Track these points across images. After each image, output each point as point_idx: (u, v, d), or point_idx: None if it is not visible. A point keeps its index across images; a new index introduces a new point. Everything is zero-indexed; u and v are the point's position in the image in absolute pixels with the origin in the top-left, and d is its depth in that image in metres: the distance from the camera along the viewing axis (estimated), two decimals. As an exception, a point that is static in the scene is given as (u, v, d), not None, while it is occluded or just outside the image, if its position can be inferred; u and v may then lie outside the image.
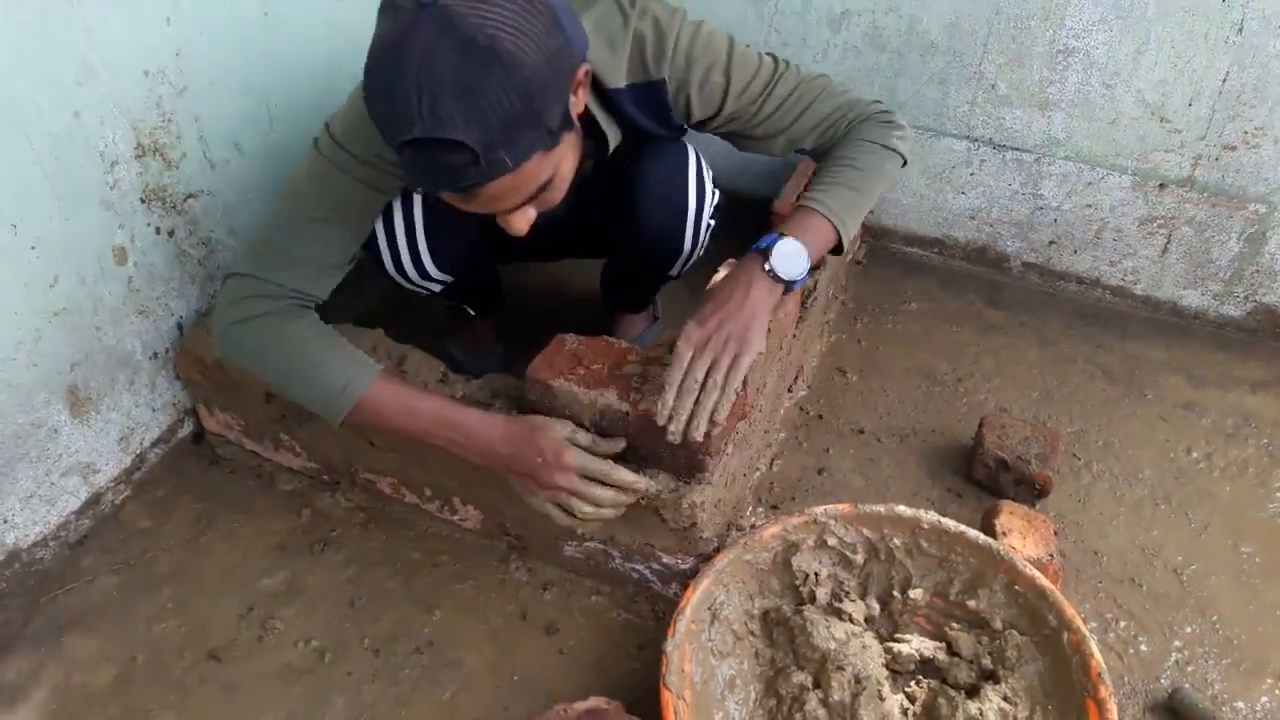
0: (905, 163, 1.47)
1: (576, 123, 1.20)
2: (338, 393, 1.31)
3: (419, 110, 1.02)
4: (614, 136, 1.41)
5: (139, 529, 1.63)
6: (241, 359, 1.36)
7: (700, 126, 1.48)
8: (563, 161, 1.18)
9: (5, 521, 1.49)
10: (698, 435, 1.27)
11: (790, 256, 1.35)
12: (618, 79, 1.35)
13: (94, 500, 1.63)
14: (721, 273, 1.43)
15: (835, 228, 1.39)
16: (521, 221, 1.22)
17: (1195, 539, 1.64)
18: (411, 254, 1.49)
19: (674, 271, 1.69)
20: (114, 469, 1.65)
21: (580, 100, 1.20)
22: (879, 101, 1.48)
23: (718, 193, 1.60)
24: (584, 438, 1.34)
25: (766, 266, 1.35)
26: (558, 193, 1.23)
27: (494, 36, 1.01)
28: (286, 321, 1.32)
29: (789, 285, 1.37)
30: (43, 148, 1.35)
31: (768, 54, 1.44)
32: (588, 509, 1.31)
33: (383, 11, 1.07)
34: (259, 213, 1.78)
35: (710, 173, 1.58)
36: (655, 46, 1.35)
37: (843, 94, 1.46)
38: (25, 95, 1.31)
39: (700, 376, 1.27)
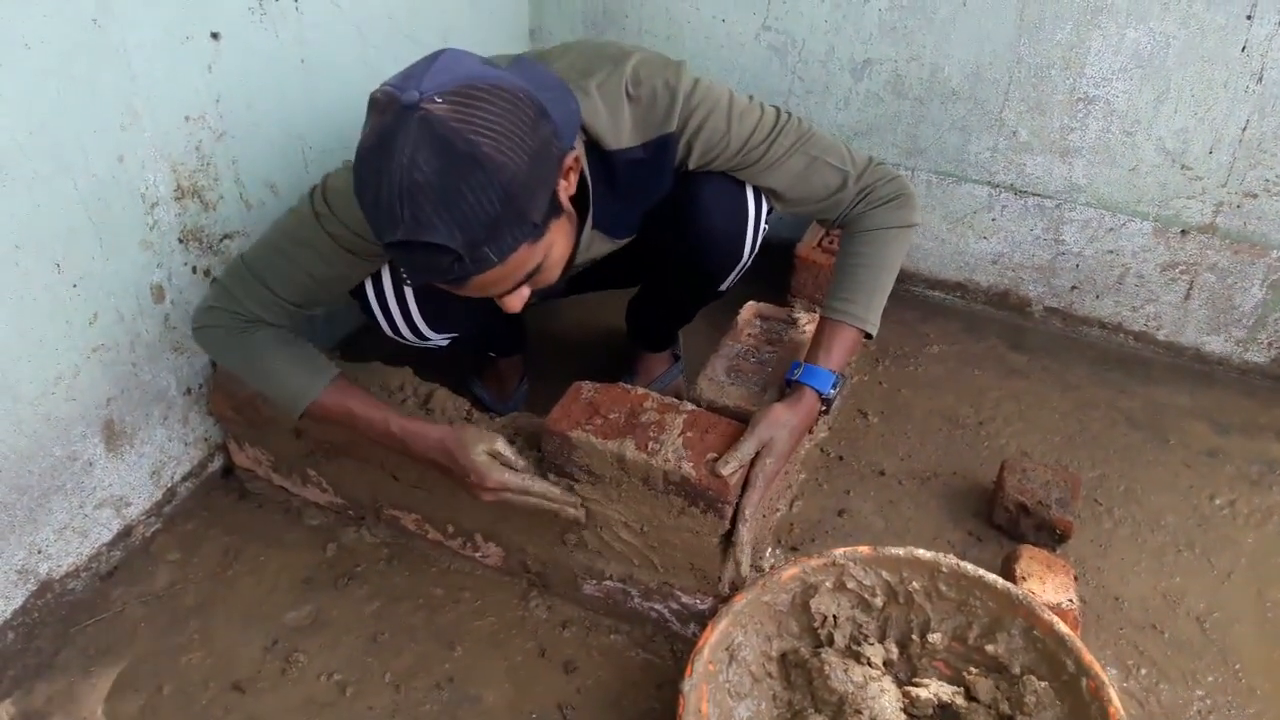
0: (918, 224, 1.54)
1: (567, 206, 1.23)
2: (292, 397, 1.42)
3: (401, 215, 1.05)
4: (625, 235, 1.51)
5: (168, 561, 1.66)
6: (211, 355, 1.49)
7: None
8: (553, 247, 1.21)
9: (39, 552, 1.52)
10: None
11: (840, 388, 1.48)
12: (620, 140, 1.37)
13: (125, 532, 1.66)
14: (780, 418, 1.41)
15: (864, 330, 1.49)
16: (516, 302, 1.25)
17: (1218, 586, 1.63)
18: (405, 319, 1.52)
19: (724, 285, 1.68)
20: (145, 502, 1.69)
21: (570, 184, 1.23)
22: (882, 164, 1.51)
23: (765, 198, 1.57)
24: (505, 451, 1.40)
25: (823, 409, 1.47)
26: (551, 273, 1.26)
27: (473, 141, 1.03)
28: (251, 332, 1.41)
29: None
30: (87, 190, 1.40)
31: (771, 105, 1.47)
32: (524, 505, 1.42)
33: (371, 107, 1.10)
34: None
35: None
36: (667, 100, 1.37)
37: (846, 158, 1.48)
38: (72, 139, 1.36)
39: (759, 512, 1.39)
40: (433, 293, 1.47)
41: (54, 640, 1.52)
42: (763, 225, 1.58)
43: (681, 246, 1.57)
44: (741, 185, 1.51)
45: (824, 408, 1.47)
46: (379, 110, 1.07)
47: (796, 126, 1.47)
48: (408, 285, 1.46)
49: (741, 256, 1.60)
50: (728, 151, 1.44)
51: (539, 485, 1.41)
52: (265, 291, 1.39)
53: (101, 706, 1.43)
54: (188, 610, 1.58)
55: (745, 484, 1.37)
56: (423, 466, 1.46)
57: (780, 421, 1.40)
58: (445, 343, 1.63)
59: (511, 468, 1.40)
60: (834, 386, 1.45)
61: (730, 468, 1.34)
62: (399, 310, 1.50)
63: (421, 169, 1.03)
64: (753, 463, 1.38)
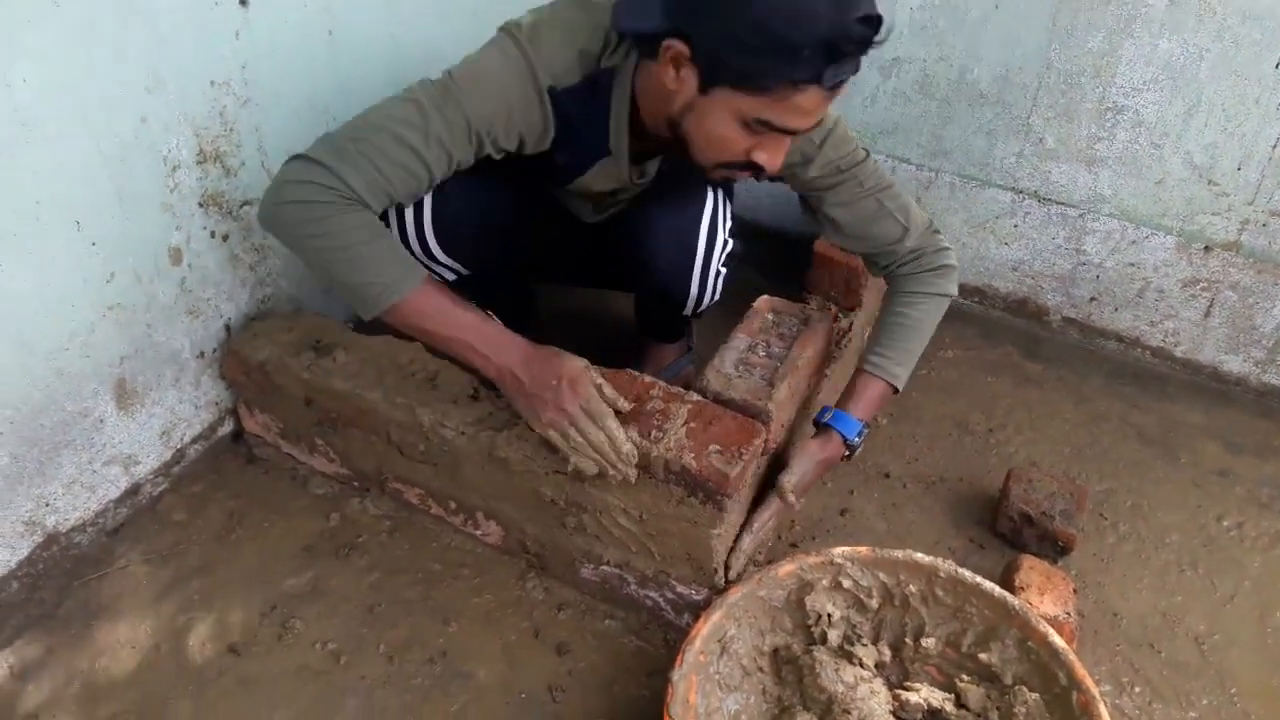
0: (955, 296, 1.63)
1: None
2: (381, 288, 1.33)
3: None
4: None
5: (174, 521, 1.67)
6: (283, 236, 1.36)
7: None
8: None
9: (47, 505, 1.54)
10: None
11: (864, 437, 1.57)
12: None
13: (133, 490, 1.68)
14: (813, 450, 1.54)
15: (895, 385, 1.57)
16: (780, 156, 1.34)
17: (1220, 608, 1.62)
18: (417, 229, 1.54)
19: (687, 313, 1.74)
20: (154, 462, 1.70)
21: None
22: (938, 231, 1.59)
23: (731, 241, 1.65)
24: (596, 375, 1.40)
25: (846, 454, 1.56)
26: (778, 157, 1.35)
27: None
28: (344, 213, 1.31)
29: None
30: (109, 150, 1.41)
31: (864, 148, 1.53)
32: (580, 440, 1.35)
33: None
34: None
35: (728, 221, 1.64)
36: None
37: (911, 217, 1.55)
38: (96, 99, 1.37)
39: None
40: (446, 210, 1.53)
41: (57, 593, 1.54)
42: (715, 269, 1.64)
43: (636, 279, 1.68)
44: (695, 227, 1.59)
45: (847, 453, 1.54)
46: None
47: (880, 173, 1.54)
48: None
49: (688, 294, 1.66)
50: (813, 165, 1.49)
51: (614, 422, 1.36)
52: (371, 170, 1.32)
53: (99, 661, 1.45)
54: (190, 571, 1.59)
55: (759, 500, 1.48)
56: (500, 376, 1.40)
57: (810, 454, 1.51)
58: (451, 277, 1.65)
59: (600, 390, 1.37)
60: (859, 435, 1.53)
61: (798, 490, 1.49)
62: (413, 217, 1.53)
63: None
64: (773, 485, 1.47)
